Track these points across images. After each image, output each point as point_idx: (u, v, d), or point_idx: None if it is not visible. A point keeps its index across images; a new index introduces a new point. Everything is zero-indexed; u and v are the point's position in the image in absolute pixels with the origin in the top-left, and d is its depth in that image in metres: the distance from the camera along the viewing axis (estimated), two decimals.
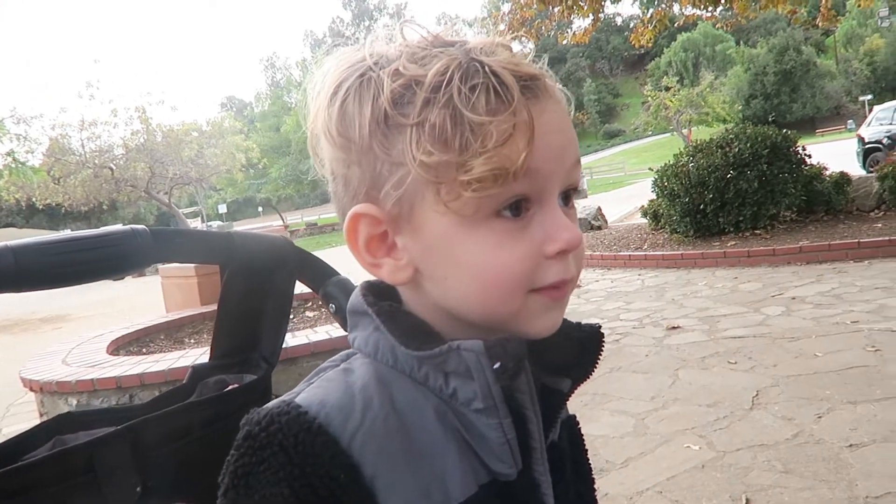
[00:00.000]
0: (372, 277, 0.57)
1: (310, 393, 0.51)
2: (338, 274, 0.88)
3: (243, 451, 0.48)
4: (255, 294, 0.84)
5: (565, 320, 0.60)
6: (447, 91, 0.47)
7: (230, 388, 0.82)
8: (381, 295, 0.57)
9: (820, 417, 3.22)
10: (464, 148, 0.47)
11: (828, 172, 8.63)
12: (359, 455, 0.48)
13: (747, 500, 2.58)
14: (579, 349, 0.61)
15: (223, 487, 0.48)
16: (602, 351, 0.62)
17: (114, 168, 26.97)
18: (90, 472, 0.67)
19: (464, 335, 0.52)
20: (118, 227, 0.73)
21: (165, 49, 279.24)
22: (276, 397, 0.53)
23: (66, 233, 0.68)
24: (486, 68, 0.48)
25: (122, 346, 5.10)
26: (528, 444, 0.55)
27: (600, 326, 0.63)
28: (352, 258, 0.56)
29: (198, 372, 0.85)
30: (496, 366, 0.49)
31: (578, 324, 0.62)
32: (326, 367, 0.56)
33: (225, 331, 0.86)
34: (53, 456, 0.66)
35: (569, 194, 0.54)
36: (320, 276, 0.87)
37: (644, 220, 10.54)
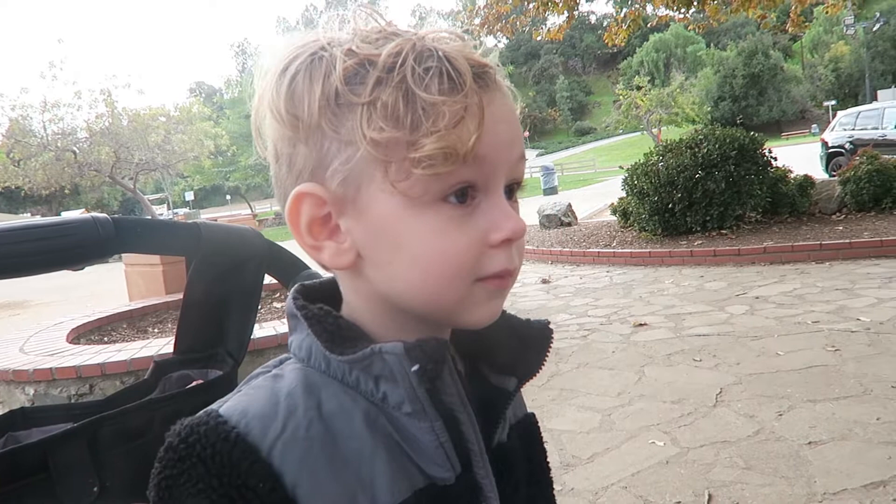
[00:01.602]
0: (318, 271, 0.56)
1: (234, 402, 0.50)
2: (308, 268, 0.86)
3: (165, 464, 0.47)
4: (221, 287, 0.81)
5: (515, 317, 0.61)
6: (401, 71, 0.47)
7: (194, 384, 0.79)
8: (314, 298, 0.55)
9: (781, 415, 3.28)
10: (415, 127, 0.47)
11: (793, 175, 8.81)
12: (279, 464, 0.47)
13: (710, 496, 2.62)
14: (527, 347, 0.60)
15: (151, 501, 0.48)
16: (550, 349, 0.61)
17: (77, 152, 26.28)
18: (43, 471, 0.64)
19: (401, 329, 0.53)
20: (77, 215, 0.70)
21: (133, 31, 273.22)
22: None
23: (20, 220, 0.65)
24: (440, 53, 0.48)
25: (83, 334, 4.98)
26: (464, 447, 0.54)
27: (549, 322, 0.62)
28: None
29: (161, 367, 0.82)
30: (414, 368, 0.49)
31: (528, 321, 0.62)
32: (258, 374, 0.54)
33: (190, 324, 0.83)
34: (3, 454, 0.63)
35: (513, 188, 0.55)
36: (290, 269, 0.85)
37: (613, 218, 10.64)
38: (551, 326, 0.62)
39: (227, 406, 0.50)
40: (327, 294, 0.57)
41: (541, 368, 0.61)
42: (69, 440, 0.66)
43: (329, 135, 0.49)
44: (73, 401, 3.70)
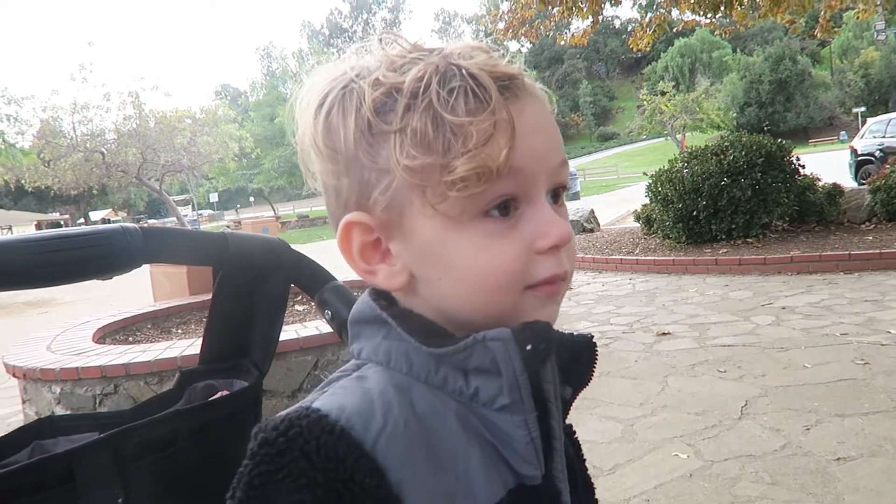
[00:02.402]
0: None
1: (326, 399, 0.49)
2: (335, 279, 0.85)
3: (259, 459, 0.44)
4: (247, 297, 0.81)
5: (557, 330, 0.59)
6: (426, 96, 0.48)
7: (218, 395, 0.78)
8: (390, 300, 0.56)
9: (808, 429, 3.21)
10: (446, 149, 0.48)
11: (821, 183, 8.65)
12: (383, 459, 0.46)
13: None
14: (576, 358, 0.61)
15: (236, 500, 0.44)
16: (596, 361, 0.62)
17: (105, 153, 26.69)
18: (69, 482, 0.63)
19: (468, 334, 0.52)
20: (107, 225, 0.70)
21: (161, 34, 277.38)
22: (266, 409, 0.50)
23: (48, 231, 0.65)
24: (463, 71, 0.49)
25: (109, 334, 5.03)
26: (550, 444, 0.55)
27: (592, 336, 0.62)
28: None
29: (186, 376, 0.82)
30: (529, 347, 0.49)
31: (571, 334, 0.62)
32: (338, 377, 0.54)
33: (215, 334, 0.83)
34: (31, 465, 0.63)
35: (558, 193, 0.55)
36: (316, 280, 0.84)
37: (636, 225, 10.55)
38: (595, 340, 0.63)
39: (322, 402, 0.48)
40: (392, 299, 0.58)
41: (590, 380, 0.62)
42: (95, 451, 0.66)
43: (367, 164, 0.51)
44: (98, 401, 3.75)
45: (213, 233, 0.77)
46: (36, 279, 0.62)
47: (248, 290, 0.80)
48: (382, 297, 0.56)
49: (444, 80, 0.49)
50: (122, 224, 0.68)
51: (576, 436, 0.69)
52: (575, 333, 0.62)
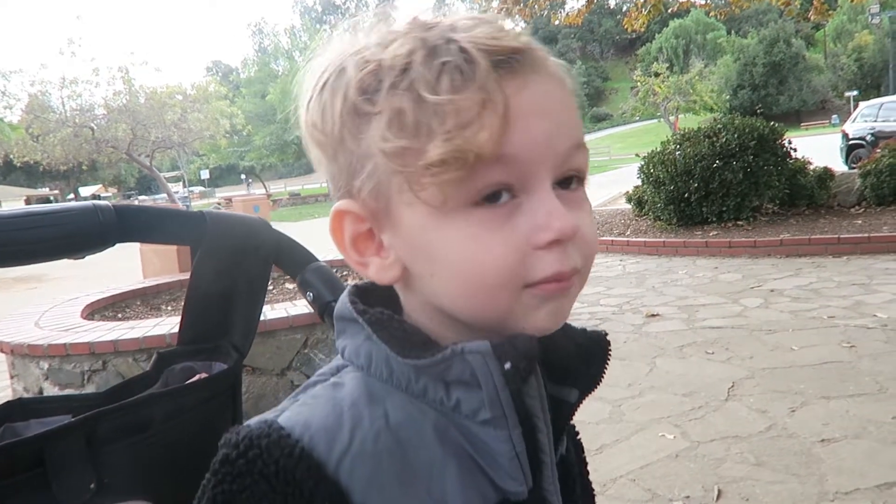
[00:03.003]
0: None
1: (294, 412, 0.47)
2: (316, 260, 0.84)
3: (221, 478, 0.44)
4: (227, 278, 0.79)
5: (569, 325, 0.56)
6: (410, 73, 0.44)
7: (196, 377, 0.77)
8: (371, 300, 0.53)
9: (793, 411, 3.24)
10: (424, 132, 0.44)
11: (812, 167, 8.67)
12: (347, 481, 0.44)
13: (719, 492, 2.60)
14: (586, 357, 0.57)
15: None
16: (609, 359, 0.58)
17: (94, 128, 26.40)
18: (39, 466, 0.62)
19: (461, 338, 0.48)
20: (78, 203, 0.67)
21: (151, 9, 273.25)
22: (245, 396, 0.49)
23: (18, 208, 0.63)
24: (454, 45, 0.44)
25: (98, 310, 5.01)
26: (538, 459, 0.51)
27: (606, 334, 0.58)
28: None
29: (164, 358, 0.80)
30: (507, 365, 0.45)
31: (584, 330, 0.58)
32: (315, 381, 0.51)
33: (194, 315, 0.81)
34: (0, 449, 0.61)
35: (570, 179, 0.50)
36: (298, 261, 0.82)
37: (628, 206, 10.55)
38: (608, 338, 0.58)
39: (288, 417, 0.47)
40: (384, 296, 0.54)
41: (601, 380, 0.58)
42: (67, 435, 0.64)
43: (352, 148, 0.47)
44: (86, 377, 3.74)
45: (190, 212, 0.75)
46: (2, 258, 0.60)
47: (228, 270, 0.78)
48: (361, 297, 0.53)
49: (431, 55, 0.44)
50: (95, 202, 0.65)
51: (578, 437, 0.66)
52: (588, 329, 0.58)
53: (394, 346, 0.48)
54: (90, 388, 3.70)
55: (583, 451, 0.66)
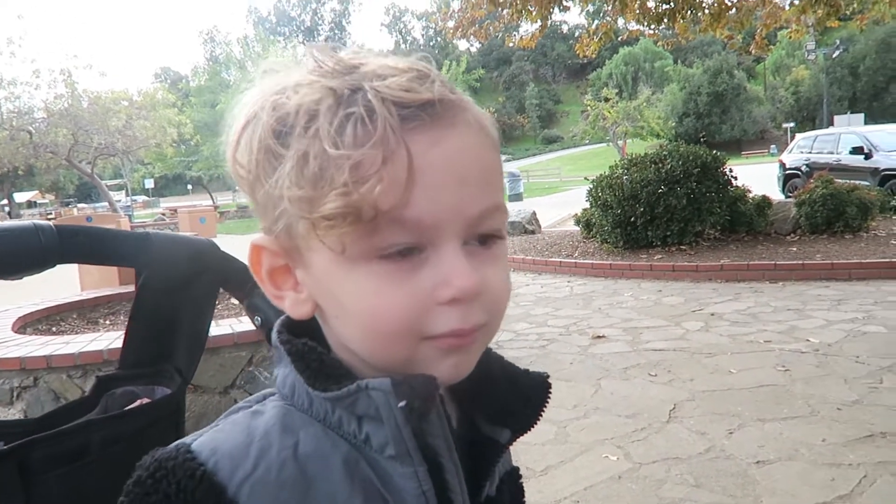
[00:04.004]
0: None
1: (208, 437, 0.49)
2: None
3: (132, 498, 0.46)
4: (172, 301, 0.77)
5: (512, 365, 0.58)
6: (315, 122, 0.44)
7: (138, 403, 0.75)
8: (301, 331, 0.53)
9: (731, 433, 3.34)
10: (324, 183, 0.44)
11: (751, 195, 9.01)
12: None
13: None
14: (523, 398, 0.57)
15: None
16: (548, 402, 0.58)
17: (33, 132, 25.50)
18: None
19: (374, 374, 0.49)
20: (18, 223, 0.65)
21: (98, 10, 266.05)
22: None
23: None
24: (362, 96, 0.44)
25: (30, 323, 4.80)
26: (447, 498, 0.51)
27: (548, 376, 0.59)
28: None
29: (103, 382, 0.78)
30: (401, 404, 0.46)
31: (526, 371, 0.59)
32: (239, 408, 0.53)
33: (137, 338, 0.79)
34: None
35: (487, 237, 0.49)
36: (245, 284, 0.81)
37: (576, 228, 10.74)
38: (550, 381, 0.59)
39: (200, 441, 0.48)
40: (315, 328, 0.54)
41: (536, 423, 0.58)
42: None
43: (266, 188, 0.48)
44: (15, 394, 3.57)
45: (134, 232, 0.74)
46: None
47: (173, 293, 0.77)
48: (289, 328, 0.54)
49: (339, 104, 0.44)
50: (35, 221, 0.63)
51: (521, 480, 0.66)
52: (531, 371, 0.59)
53: (307, 378, 0.49)
54: (19, 406, 3.54)
55: (523, 496, 0.66)
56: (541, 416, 0.58)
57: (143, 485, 0.46)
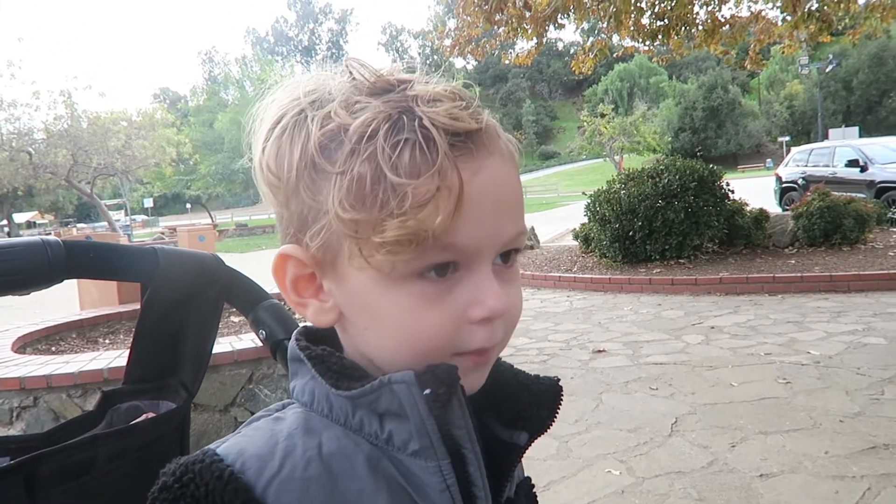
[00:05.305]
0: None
1: (232, 442, 0.50)
2: (270, 297, 0.83)
3: None
4: (178, 315, 0.78)
5: (523, 372, 0.60)
6: (371, 144, 0.45)
7: (143, 417, 0.75)
8: (317, 340, 0.55)
9: (734, 446, 3.32)
10: (381, 206, 0.45)
11: (748, 208, 9.04)
12: (274, 503, 0.46)
13: None
14: (538, 401, 0.58)
15: None
16: (560, 404, 0.59)
17: (32, 153, 25.57)
18: None
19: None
20: (25, 238, 0.66)
21: (97, 32, 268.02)
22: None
23: None
24: (416, 122, 0.45)
25: (30, 343, 4.78)
26: (470, 493, 0.52)
27: (559, 380, 0.60)
28: None
29: (108, 397, 0.78)
30: (426, 391, 0.47)
31: (537, 376, 0.60)
32: (259, 416, 0.53)
33: (142, 353, 0.79)
34: None
35: (510, 254, 0.52)
36: (250, 299, 0.82)
37: (575, 243, 10.76)
38: (561, 383, 0.60)
39: (226, 445, 0.49)
40: (331, 335, 0.56)
41: (551, 424, 0.60)
42: (4, 478, 0.61)
43: (306, 200, 0.48)
44: (15, 414, 3.55)
45: (142, 248, 0.74)
46: None
47: (179, 307, 0.77)
48: (307, 337, 0.55)
49: (393, 129, 0.45)
50: (43, 237, 0.64)
51: (533, 490, 0.66)
52: (541, 376, 0.60)
53: (329, 379, 0.50)
54: (19, 426, 3.52)
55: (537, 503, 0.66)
56: (555, 417, 0.59)
57: (170, 490, 0.46)
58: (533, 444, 0.59)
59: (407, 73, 0.51)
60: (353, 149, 0.46)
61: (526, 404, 0.58)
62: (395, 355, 0.50)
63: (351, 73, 0.49)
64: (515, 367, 0.60)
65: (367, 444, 0.50)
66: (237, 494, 0.45)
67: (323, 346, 0.53)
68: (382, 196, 0.45)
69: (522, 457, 0.59)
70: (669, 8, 8.78)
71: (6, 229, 49.40)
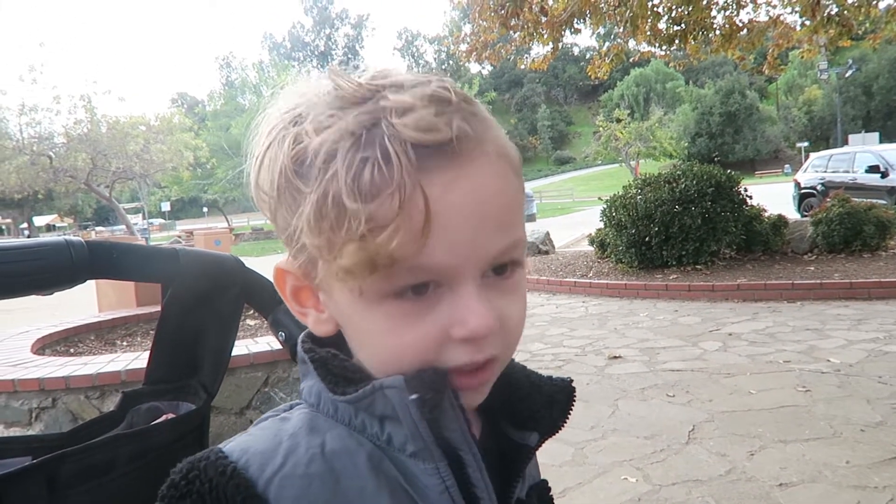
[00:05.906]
0: None
1: (238, 440, 0.51)
2: None
3: (167, 502, 0.47)
4: (198, 316, 0.78)
5: (535, 373, 0.59)
6: (333, 165, 0.44)
7: (163, 418, 0.75)
8: (324, 342, 0.55)
9: (752, 455, 3.28)
10: (339, 229, 0.44)
11: (766, 214, 8.95)
12: (276, 498, 0.47)
13: None
14: (550, 402, 0.58)
15: None
16: (573, 405, 0.59)
17: (52, 157, 25.93)
18: None
19: None
20: (50, 238, 0.66)
21: (117, 38, 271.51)
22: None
23: None
24: (379, 139, 0.43)
25: (49, 345, 4.84)
26: (472, 494, 0.51)
27: (571, 380, 0.60)
28: None
29: (129, 398, 0.78)
30: (413, 397, 0.47)
31: (549, 377, 0.60)
32: (267, 416, 0.54)
33: (163, 354, 0.80)
34: None
35: (506, 266, 0.49)
36: (269, 301, 0.82)
37: (590, 248, 10.71)
38: (574, 385, 0.60)
39: (231, 444, 0.50)
40: (339, 337, 0.56)
41: (563, 425, 0.59)
42: (27, 477, 0.62)
43: (288, 218, 0.48)
44: (34, 415, 3.59)
45: (163, 248, 0.75)
46: None
47: (199, 308, 0.77)
48: (313, 339, 0.55)
49: (354, 147, 0.43)
50: (67, 237, 0.65)
51: (550, 493, 0.65)
52: (553, 377, 0.60)
53: (328, 383, 0.51)
54: (38, 427, 3.55)
55: None
56: (568, 418, 0.59)
57: (177, 487, 0.47)
58: (549, 451, 0.59)
59: (392, 75, 0.48)
60: (319, 169, 0.44)
61: (538, 405, 0.58)
62: (385, 367, 0.49)
63: (336, 84, 0.47)
64: (527, 368, 0.60)
65: (369, 444, 0.50)
66: (239, 490, 0.46)
67: (328, 348, 0.53)
68: (340, 219, 0.43)
69: (532, 457, 0.59)
70: (686, 12, 8.73)
71: (26, 232, 50.05)
